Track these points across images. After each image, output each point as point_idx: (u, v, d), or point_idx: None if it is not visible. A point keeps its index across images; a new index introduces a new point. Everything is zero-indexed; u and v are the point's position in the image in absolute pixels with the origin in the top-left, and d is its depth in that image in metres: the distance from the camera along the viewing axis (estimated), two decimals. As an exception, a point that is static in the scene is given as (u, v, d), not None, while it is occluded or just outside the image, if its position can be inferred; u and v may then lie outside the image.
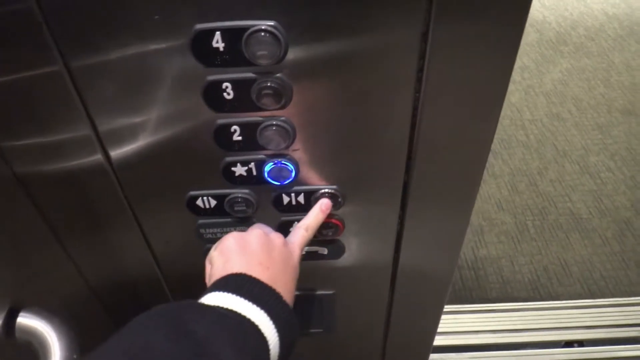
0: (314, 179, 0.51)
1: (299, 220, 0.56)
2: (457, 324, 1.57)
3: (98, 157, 0.48)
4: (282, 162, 0.49)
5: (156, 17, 0.37)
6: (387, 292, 0.69)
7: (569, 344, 1.52)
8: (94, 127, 0.45)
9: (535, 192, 2.05)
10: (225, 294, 0.43)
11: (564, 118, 2.39)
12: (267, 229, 0.52)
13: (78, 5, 0.37)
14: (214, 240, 0.58)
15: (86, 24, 0.39)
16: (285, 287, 0.47)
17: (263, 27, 0.37)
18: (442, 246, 0.62)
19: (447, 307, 0.76)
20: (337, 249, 0.61)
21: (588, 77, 2.63)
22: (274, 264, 0.48)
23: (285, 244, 0.50)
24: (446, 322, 1.54)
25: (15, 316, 0.46)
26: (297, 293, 0.67)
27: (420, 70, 0.42)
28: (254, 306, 0.42)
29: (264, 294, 0.44)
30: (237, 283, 0.44)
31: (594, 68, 2.70)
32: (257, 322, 0.41)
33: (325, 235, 0.57)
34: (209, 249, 0.59)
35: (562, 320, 1.58)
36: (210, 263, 0.50)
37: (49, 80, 0.42)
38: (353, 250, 0.61)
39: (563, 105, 2.47)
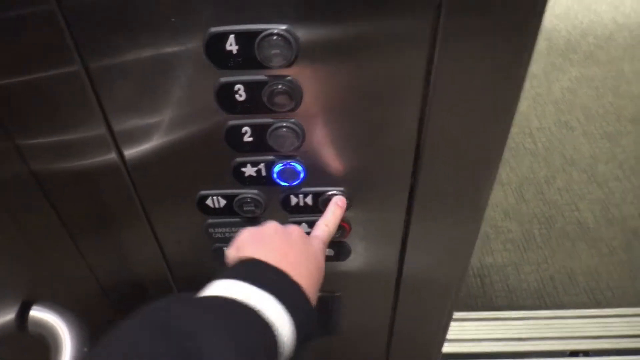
0: (322, 181, 0.52)
1: (307, 221, 0.57)
2: (462, 331, 1.56)
3: (112, 156, 0.49)
4: (291, 163, 0.50)
5: (173, 19, 0.38)
6: (391, 296, 0.69)
7: (574, 353, 1.51)
8: (109, 127, 0.46)
9: (543, 200, 2.04)
10: (229, 281, 0.41)
11: (572, 126, 2.38)
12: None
13: (97, 8, 0.39)
14: (223, 239, 0.59)
15: (105, 26, 0.40)
16: (304, 276, 0.44)
17: (275, 31, 0.38)
18: (447, 253, 0.62)
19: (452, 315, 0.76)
20: (344, 251, 0.62)
21: (597, 86, 2.63)
22: (291, 251, 0.46)
23: (304, 234, 0.49)
24: (451, 330, 1.53)
25: (28, 309, 0.47)
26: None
27: (428, 74, 0.42)
28: (262, 291, 0.40)
29: (275, 278, 0.42)
30: (245, 269, 0.43)
31: (603, 77, 2.69)
32: (261, 309, 0.39)
33: (333, 237, 0.58)
34: (217, 248, 0.61)
35: (568, 330, 1.57)
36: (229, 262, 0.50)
37: (68, 80, 0.43)
38: (359, 252, 0.62)
39: (571, 113, 2.46)
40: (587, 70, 2.75)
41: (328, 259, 0.63)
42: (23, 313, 0.47)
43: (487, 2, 0.39)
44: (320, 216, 0.55)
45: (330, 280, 0.67)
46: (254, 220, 0.57)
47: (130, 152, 0.49)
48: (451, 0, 0.38)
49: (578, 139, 2.32)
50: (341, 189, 0.53)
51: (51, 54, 0.41)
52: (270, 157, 0.50)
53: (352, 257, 0.62)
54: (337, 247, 0.61)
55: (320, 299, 0.71)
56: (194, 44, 0.40)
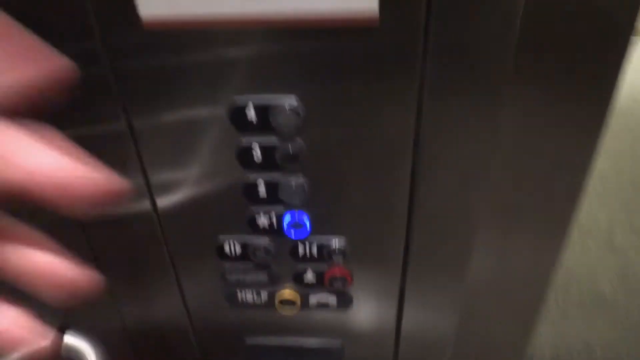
0: (326, 232, 0.59)
1: (313, 269, 0.63)
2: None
3: (147, 204, 0.57)
4: (299, 215, 0.57)
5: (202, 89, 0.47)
6: (392, 346, 0.73)
7: None
8: (147, 178, 0.55)
9: (559, 268, 2.04)
10: None
11: (588, 193, 2.41)
12: None
13: (143, 76, 0.48)
14: (236, 283, 0.65)
15: (150, 92, 0.49)
16: None
17: (287, 105, 0.46)
18: (442, 308, 0.67)
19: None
20: (346, 300, 0.67)
21: (614, 155, 2.66)
22: None
23: None
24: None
25: (62, 336, 0.54)
26: (304, 346, 0.72)
27: (415, 143, 0.50)
28: None
29: None
30: None
31: (621, 146, 2.74)
32: None
33: (336, 286, 0.64)
34: (230, 292, 0.66)
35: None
36: None
37: (114, 136, 0.52)
38: (361, 302, 0.67)
39: (588, 182, 2.49)
40: (604, 139, 2.80)
41: (332, 308, 0.68)
42: (58, 337, 0.53)
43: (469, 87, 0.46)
44: (325, 264, 0.61)
45: (334, 330, 0.72)
46: (264, 266, 0.63)
47: (162, 201, 0.57)
48: (434, 84, 0.46)
49: (594, 206, 2.33)
50: (343, 238, 0.59)
51: (101, 114, 0.50)
52: (281, 209, 0.57)
53: (354, 305, 0.67)
54: (340, 296, 0.66)
55: (324, 350, 0.75)
56: (219, 111, 0.49)
